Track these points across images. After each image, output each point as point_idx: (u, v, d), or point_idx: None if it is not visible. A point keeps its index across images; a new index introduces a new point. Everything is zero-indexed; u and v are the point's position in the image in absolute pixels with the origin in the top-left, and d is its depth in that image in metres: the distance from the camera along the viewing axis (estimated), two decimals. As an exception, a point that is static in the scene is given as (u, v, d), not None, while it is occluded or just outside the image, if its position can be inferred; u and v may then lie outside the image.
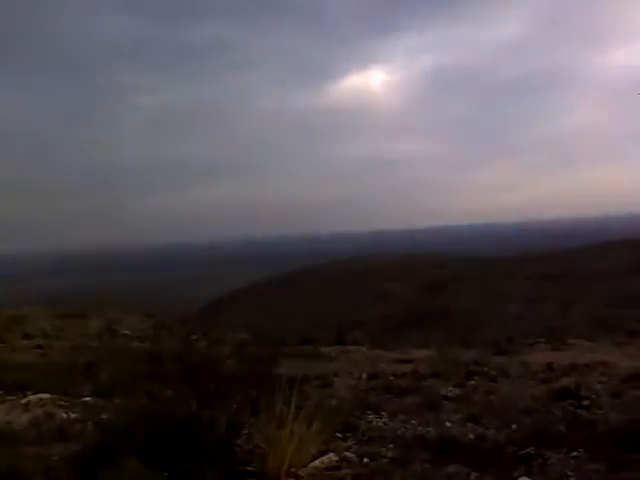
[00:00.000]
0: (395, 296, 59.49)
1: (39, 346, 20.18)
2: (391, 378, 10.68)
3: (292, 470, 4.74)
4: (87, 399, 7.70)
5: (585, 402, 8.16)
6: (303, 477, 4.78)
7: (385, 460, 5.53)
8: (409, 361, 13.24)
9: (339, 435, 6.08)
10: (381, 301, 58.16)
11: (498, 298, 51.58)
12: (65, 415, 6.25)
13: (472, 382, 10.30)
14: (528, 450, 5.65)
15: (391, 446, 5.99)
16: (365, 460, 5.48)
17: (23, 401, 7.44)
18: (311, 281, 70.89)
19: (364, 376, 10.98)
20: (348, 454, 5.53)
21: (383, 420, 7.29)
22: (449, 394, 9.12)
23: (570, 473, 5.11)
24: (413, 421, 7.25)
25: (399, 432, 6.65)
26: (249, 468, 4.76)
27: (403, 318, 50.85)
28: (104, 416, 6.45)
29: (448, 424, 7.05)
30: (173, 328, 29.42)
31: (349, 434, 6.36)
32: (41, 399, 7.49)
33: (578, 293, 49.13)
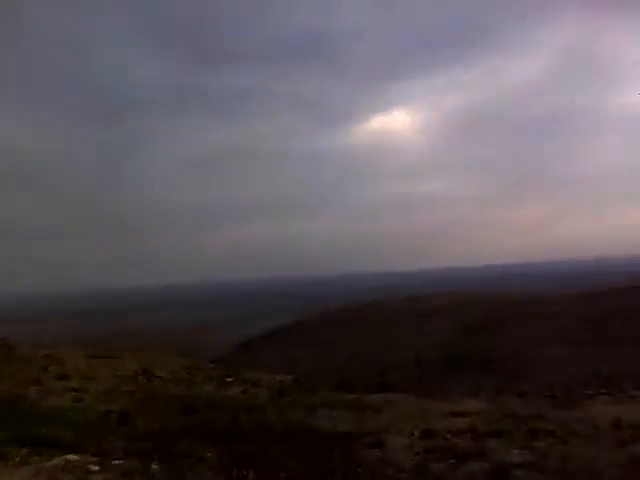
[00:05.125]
0: (432, 336, 57.89)
1: (74, 389, 19.76)
2: (447, 437, 9.75)
3: None
4: (121, 462, 6.99)
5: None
6: None
7: None
8: (462, 414, 12.25)
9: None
10: (419, 341, 56.63)
11: (542, 339, 49.70)
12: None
13: (539, 443, 9.31)
14: None
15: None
16: None
17: (49, 464, 6.75)
18: (343, 321, 69.72)
19: (416, 433, 10.06)
20: None
21: (451, 495, 6.43)
22: (518, 459, 8.18)
23: None
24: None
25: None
26: None
27: (443, 360, 49.27)
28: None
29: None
30: (207, 369, 28.81)
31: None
32: (69, 461, 6.80)
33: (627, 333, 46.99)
